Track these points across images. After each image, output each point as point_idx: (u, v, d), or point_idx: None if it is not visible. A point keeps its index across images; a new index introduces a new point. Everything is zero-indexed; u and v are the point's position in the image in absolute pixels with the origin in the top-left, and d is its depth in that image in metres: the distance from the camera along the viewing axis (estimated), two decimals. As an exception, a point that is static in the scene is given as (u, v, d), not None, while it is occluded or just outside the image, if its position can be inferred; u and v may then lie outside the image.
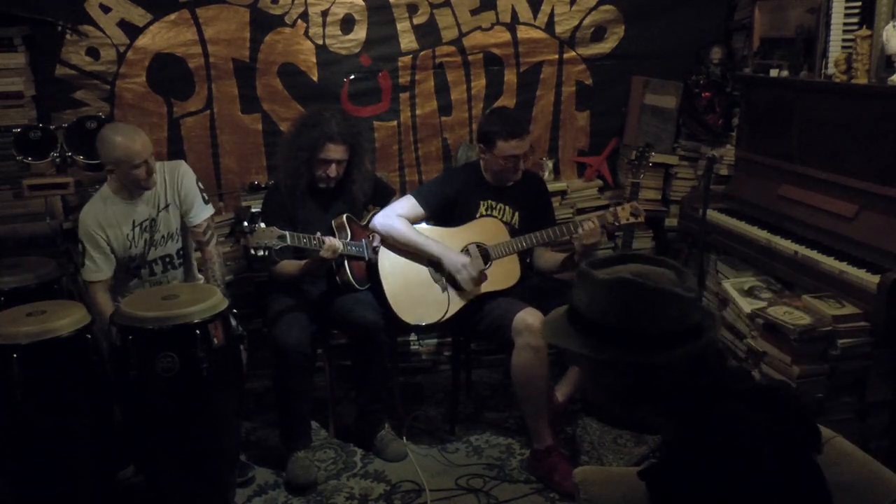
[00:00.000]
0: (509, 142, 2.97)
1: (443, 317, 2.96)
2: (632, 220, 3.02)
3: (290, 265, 3.05)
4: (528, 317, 2.81)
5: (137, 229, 2.88)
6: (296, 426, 2.97)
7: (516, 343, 2.82)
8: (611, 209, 3.03)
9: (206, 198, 3.00)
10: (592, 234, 2.91)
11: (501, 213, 3.14)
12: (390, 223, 3.02)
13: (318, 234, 2.91)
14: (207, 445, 2.57)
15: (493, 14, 3.73)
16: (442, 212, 3.11)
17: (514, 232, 3.11)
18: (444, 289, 3.00)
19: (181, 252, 3.02)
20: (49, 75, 3.39)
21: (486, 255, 3.04)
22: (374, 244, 3.07)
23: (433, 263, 3.03)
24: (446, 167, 3.81)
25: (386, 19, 3.65)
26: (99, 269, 2.81)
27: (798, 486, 1.28)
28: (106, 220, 2.82)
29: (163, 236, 2.93)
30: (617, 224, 3.02)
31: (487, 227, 3.09)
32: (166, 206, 2.92)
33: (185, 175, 2.95)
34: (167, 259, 2.97)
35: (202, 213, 2.96)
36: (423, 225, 3.11)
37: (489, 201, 3.13)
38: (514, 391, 2.91)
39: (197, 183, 2.98)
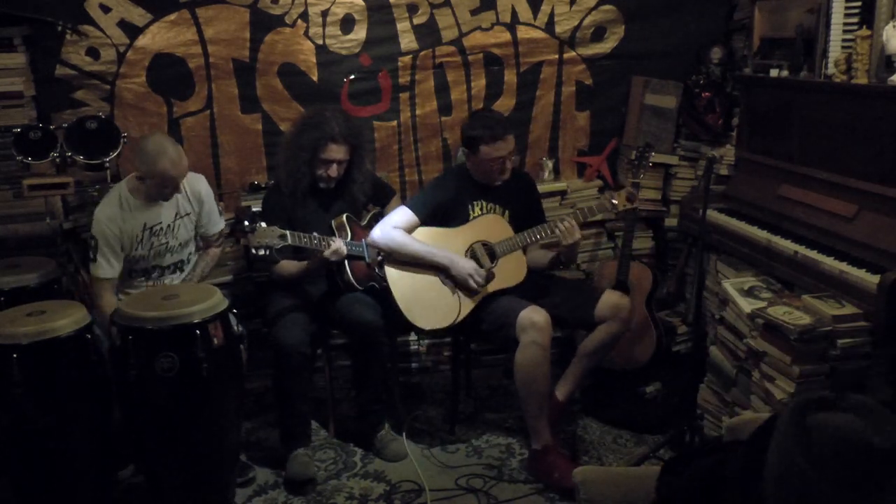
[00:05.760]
0: (492, 145, 2.98)
1: (456, 319, 2.96)
2: (629, 205, 3.03)
3: (290, 265, 3.06)
4: (534, 314, 2.82)
5: (147, 232, 2.92)
6: (296, 426, 2.97)
7: (521, 340, 2.82)
8: (606, 194, 3.03)
9: (221, 210, 3.17)
10: (570, 234, 2.94)
11: (492, 212, 3.14)
12: (390, 236, 2.99)
13: (319, 234, 2.92)
14: (207, 445, 2.58)
15: (493, 14, 3.73)
16: (434, 218, 3.09)
17: None
18: (454, 291, 2.99)
19: (191, 257, 3.11)
20: (49, 75, 3.38)
21: (492, 254, 3.04)
22: (379, 258, 3.06)
23: (441, 270, 3.02)
24: (439, 173, 3.79)
25: (386, 19, 3.64)
26: (111, 266, 2.86)
27: None
28: (121, 218, 2.87)
29: (180, 244, 3.01)
30: (615, 212, 3.01)
31: (490, 225, 3.09)
32: (186, 214, 3.01)
33: (207, 191, 3.08)
34: (179, 264, 3.06)
35: (218, 225, 3.14)
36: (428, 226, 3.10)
37: (480, 202, 3.13)
38: (516, 390, 2.91)
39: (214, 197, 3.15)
